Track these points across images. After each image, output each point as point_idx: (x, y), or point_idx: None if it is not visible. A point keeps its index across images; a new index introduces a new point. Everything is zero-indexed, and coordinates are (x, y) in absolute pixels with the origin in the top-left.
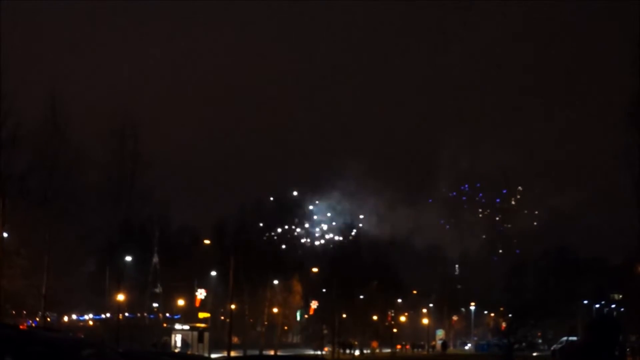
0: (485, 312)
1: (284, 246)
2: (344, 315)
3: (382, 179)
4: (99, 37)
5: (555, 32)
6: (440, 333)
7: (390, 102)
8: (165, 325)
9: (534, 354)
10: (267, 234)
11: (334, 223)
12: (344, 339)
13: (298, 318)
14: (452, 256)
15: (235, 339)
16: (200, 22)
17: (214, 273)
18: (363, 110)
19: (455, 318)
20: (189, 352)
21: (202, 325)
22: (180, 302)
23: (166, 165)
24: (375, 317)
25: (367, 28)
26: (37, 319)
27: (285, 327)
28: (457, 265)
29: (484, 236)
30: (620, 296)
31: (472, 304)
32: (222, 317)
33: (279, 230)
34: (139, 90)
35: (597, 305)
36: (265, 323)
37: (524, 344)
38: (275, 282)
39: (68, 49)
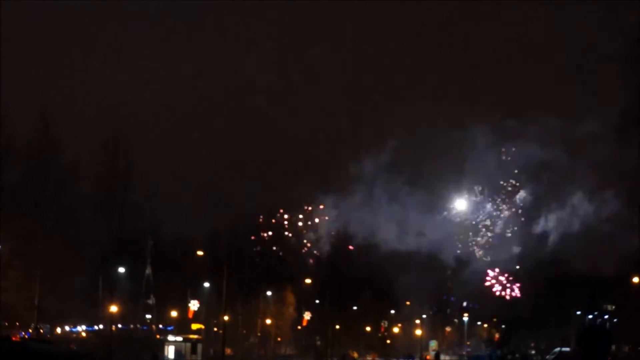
0: (479, 323)
1: (277, 257)
2: (337, 327)
3: (390, 184)
4: (92, 49)
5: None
6: (433, 344)
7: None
8: (158, 336)
9: None
10: (260, 246)
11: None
12: (344, 351)
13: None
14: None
15: (228, 351)
16: (196, 31)
17: (207, 284)
18: (368, 114)
19: (448, 329)
20: None
21: (195, 336)
22: (174, 314)
23: (159, 176)
24: (368, 328)
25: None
26: (30, 331)
27: (279, 339)
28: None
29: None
30: (613, 307)
31: (465, 314)
32: (216, 329)
33: (273, 241)
34: (132, 102)
35: (590, 316)
36: (259, 334)
37: (517, 355)
38: (269, 293)
39: (60, 60)
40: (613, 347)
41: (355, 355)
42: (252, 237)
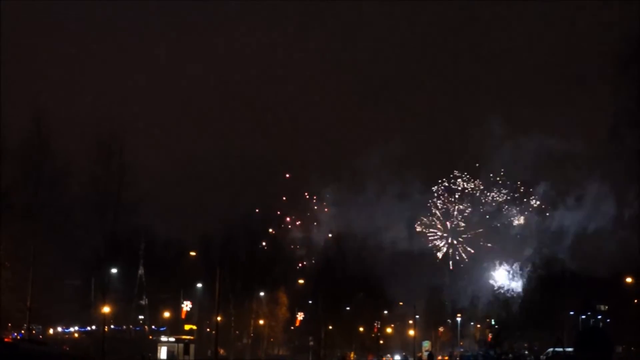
0: (472, 323)
1: (270, 258)
2: (330, 327)
3: (380, 184)
4: (85, 49)
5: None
6: (426, 344)
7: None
8: (151, 337)
9: None
10: (253, 246)
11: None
12: (342, 352)
13: None
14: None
15: (221, 351)
16: (187, 29)
17: (199, 285)
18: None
19: (441, 329)
20: None
21: (188, 337)
22: (166, 314)
23: (152, 177)
24: (361, 329)
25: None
26: (23, 332)
27: (272, 339)
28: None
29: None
30: (607, 307)
31: (459, 315)
32: (208, 329)
33: (266, 242)
34: (125, 103)
35: (583, 317)
36: (251, 335)
37: (510, 355)
38: (262, 293)
39: (53, 62)
40: (620, 349)
41: (352, 356)
42: (246, 237)
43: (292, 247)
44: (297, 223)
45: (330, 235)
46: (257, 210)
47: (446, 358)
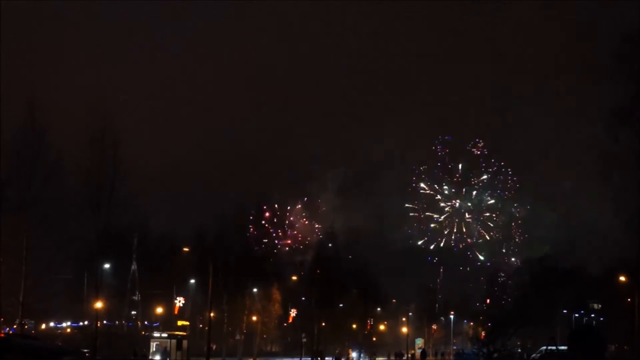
0: (465, 321)
1: (263, 254)
2: (323, 324)
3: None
4: (80, 42)
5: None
6: (419, 342)
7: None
8: (143, 333)
9: None
10: (246, 242)
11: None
12: (339, 349)
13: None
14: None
15: (213, 347)
16: (182, 19)
17: (193, 281)
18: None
19: (434, 327)
20: None
21: (181, 333)
22: (159, 310)
23: (146, 172)
24: (354, 326)
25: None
26: (15, 326)
27: (264, 335)
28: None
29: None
30: (600, 305)
31: (452, 312)
32: (201, 325)
33: (259, 237)
34: (119, 97)
35: (577, 315)
36: (244, 331)
37: (503, 353)
38: (255, 290)
39: (48, 54)
40: (612, 348)
41: (350, 353)
42: (239, 234)
43: (285, 244)
44: (292, 218)
45: (325, 230)
46: (265, 203)
47: (448, 352)
